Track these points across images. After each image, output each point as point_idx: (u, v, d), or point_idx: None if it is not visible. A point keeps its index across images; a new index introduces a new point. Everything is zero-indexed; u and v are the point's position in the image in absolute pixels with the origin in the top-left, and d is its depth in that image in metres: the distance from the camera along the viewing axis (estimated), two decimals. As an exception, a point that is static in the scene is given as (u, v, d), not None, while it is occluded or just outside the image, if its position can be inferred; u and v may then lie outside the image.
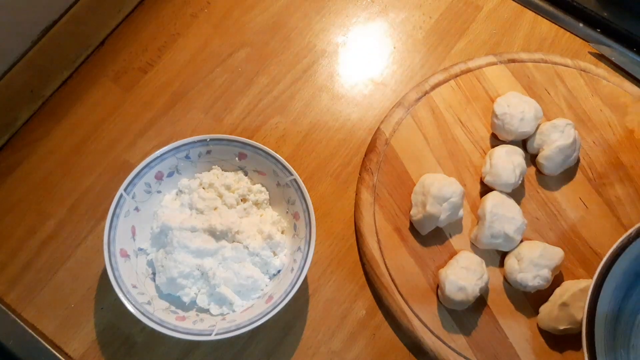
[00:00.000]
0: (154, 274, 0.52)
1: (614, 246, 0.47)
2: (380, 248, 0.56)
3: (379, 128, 0.61)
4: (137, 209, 0.53)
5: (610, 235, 0.56)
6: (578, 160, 0.59)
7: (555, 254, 0.53)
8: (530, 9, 0.68)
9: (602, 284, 0.46)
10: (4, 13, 0.53)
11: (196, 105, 0.62)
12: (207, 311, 0.51)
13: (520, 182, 0.56)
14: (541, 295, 0.54)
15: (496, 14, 0.68)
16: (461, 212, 0.55)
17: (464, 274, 0.51)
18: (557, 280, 0.54)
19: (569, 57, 0.64)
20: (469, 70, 0.63)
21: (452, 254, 0.55)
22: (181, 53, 0.64)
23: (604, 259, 0.46)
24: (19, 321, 0.53)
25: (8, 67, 0.56)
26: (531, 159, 0.60)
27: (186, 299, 0.51)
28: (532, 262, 0.52)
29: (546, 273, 0.52)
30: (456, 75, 0.63)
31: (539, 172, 0.59)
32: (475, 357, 0.52)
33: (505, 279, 0.55)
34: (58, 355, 0.52)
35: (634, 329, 0.49)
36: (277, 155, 0.53)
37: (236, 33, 0.66)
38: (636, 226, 0.47)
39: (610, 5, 0.68)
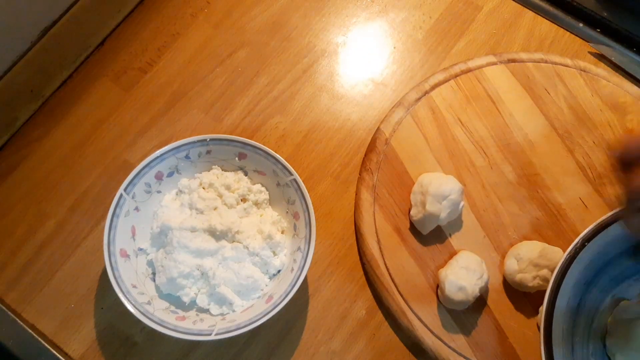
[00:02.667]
0: (154, 274, 0.52)
1: (562, 259, 0.46)
2: (380, 248, 0.56)
3: (378, 128, 0.61)
4: (137, 209, 0.53)
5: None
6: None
7: (554, 254, 0.53)
8: (530, 9, 0.68)
9: (555, 299, 0.45)
10: (4, 13, 0.53)
11: (196, 105, 0.62)
12: (207, 311, 0.51)
13: None
14: (541, 295, 0.53)
15: (496, 14, 0.68)
16: (461, 206, 0.55)
17: (464, 274, 0.51)
18: (557, 280, 0.54)
19: (569, 57, 0.64)
20: (469, 70, 0.63)
21: (452, 253, 0.55)
22: (181, 53, 0.64)
23: (554, 274, 0.46)
24: (19, 321, 0.53)
25: (8, 67, 0.56)
26: None
27: (186, 299, 0.51)
28: (532, 263, 0.52)
29: (545, 273, 0.52)
30: (456, 75, 0.63)
31: None
32: (475, 357, 0.52)
33: (505, 279, 0.55)
34: (58, 355, 0.52)
35: (590, 337, 0.49)
36: (277, 155, 0.53)
37: (236, 33, 0.66)
38: (581, 235, 0.47)
39: (610, 5, 0.68)
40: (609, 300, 0.51)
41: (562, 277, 0.46)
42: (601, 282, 0.50)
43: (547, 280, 0.52)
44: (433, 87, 0.62)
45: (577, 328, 0.48)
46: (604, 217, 0.47)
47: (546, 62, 0.64)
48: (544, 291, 0.53)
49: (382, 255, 0.55)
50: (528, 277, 0.52)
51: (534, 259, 0.52)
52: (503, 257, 0.56)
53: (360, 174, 0.59)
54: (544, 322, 0.45)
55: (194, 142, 0.54)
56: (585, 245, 0.46)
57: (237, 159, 0.55)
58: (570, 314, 0.48)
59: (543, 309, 0.45)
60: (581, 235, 0.47)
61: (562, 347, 0.46)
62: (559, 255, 0.53)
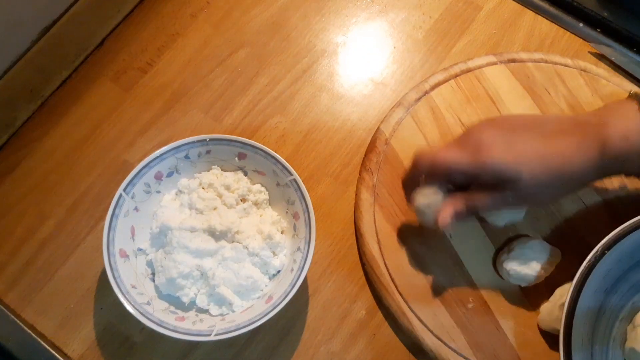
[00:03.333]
0: (153, 274, 0.52)
1: (582, 266, 0.46)
2: (380, 248, 0.56)
3: (378, 128, 0.61)
4: (136, 209, 0.53)
5: (610, 236, 0.56)
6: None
7: (550, 251, 0.53)
8: (530, 9, 0.68)
9: (575, 306, 0.46)
10: (4, 13, 0.53)
11: (196, 105, 0.62)
12: (206, 311, 0.51)
13: None
14: (541, 295, 0.54)
15: (496, 14, 0.68)
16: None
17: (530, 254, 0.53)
18: (557, 280, 0.54)
19: (569, 57, 0.64)
20: (469, 70, 0.63)
21: (452, 254, 0.55)
22: (181, 53, 0.64)
23: (574, 282, 0.46)
24: (18, 321, 0.53)
25: (8, 67, 0.56)
26: None
27: (186, 300, 0.51)
28: (523, 253, 0.52)
29: (535, 265, 0.52)
30: (456, 75, 0.63)
31: None
32: (475, 357, 0.52)
33: (498, 273, 0.55)
34: (57, 355, 0.52)
35: (610, 344, 0.49)
36: (277, 155, 0.53)
37: (236, 33, 0.66)
38: (601, 243, 0.47)
39: (610, 5, 0.67)
40: (629, 308, 0.51)
41: (581, 284, 0.46)
42: (621, 289, 0.50)
43: (536, 272, 0.52)
44: (433, 87, 0.62)
45: (596, 335, 0.48)
46: (623, 226, 0.47)
47: (546, 62, 0.64)
48: (544, 291, 0.53)
49: (382, 255, 0.55)
50: (515, 264, 0.52)
51: (526, 249, 0.53)
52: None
53: (360, 174, 0.59)
54: (564, 329, 0.45)
55: (193, 142, 0.54)
56: (605, 254, 0.46)
57: (236, 159, 0.55)
58: (590, 321, 0.48)
59: (563, 316, 0.45)
60: (601, 243, 0.47)
61: (582, 353, 0.46)
62: (554, 253, 0.53)
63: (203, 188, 0.55)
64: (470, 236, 0.56)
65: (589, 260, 0.46)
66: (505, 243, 0.56)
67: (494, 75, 0.63)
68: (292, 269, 0.51)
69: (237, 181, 0.55)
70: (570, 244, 0.56)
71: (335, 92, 0.64)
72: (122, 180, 0.52)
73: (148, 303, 0.49)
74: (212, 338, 0.47)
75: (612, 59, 0.65)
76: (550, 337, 0.53)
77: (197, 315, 0.51)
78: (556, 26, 0.67)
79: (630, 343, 0.49)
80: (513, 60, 0.64)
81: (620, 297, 0.50)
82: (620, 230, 0.47)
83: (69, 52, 0.62)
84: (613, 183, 0.59)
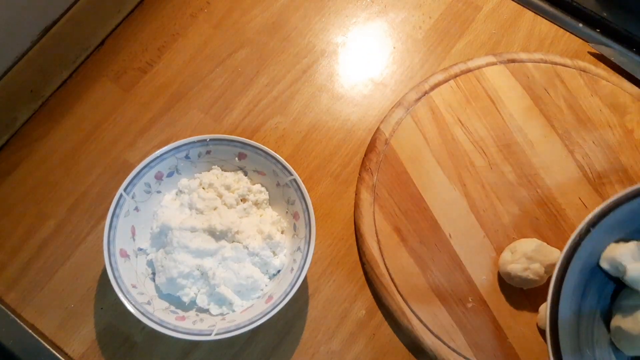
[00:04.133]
0: (153, 274, 0.52)
1: (567, 246, 0.47)
2: (380, 248, 0.56)
3: (378, 128, 0.61)
4: (136, 209, 0.53)
5: (609, 235, 0.56)
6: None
7: (550, 252, 0.53)
8: (530, 9, 0.68)
9: (560, 287, 0.46)
10: (4, 13, 0.53)
11: (196, 105, 0.62)
12: (206, 311, 0.51)
13: None
14: (540, 295, 0.54)
15: (496, 14, 0.68)
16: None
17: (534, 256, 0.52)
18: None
19: (569, 57, 0.64)
20: (468, 70, 0.63)
21: (452, 254, 0.56)
22: (181, 53, 0.65)
23: (559, 261, 0.46)
24: (18, 321, 0.53)
25: (8, 67, 0.56)
26: None
27: (186, 299, 0.51)
28: (525, 255, 0.52)
29: (537, 267, 0.52)
30: (456, 75, 0.63)
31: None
32: (475, 357, 0.52)
33: (499, 275, 0.55)
34: (58, 355, 0.52)
35: (595, 324, 0.50)
36: (277, 155, 0.54)
37: (236, 33, 0.66)
38: (585, 221, 0.47)
39: (610, 5, 0.68)
40: (610, 288, 0.51)
41: (567, 264, 0.47)
42: (599, 276, 0.50)
43: (538, 275, 0.52)
44: (433, 87, 0.62)
45: (582, 315, 0.49)
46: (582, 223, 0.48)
47: (546, 62, 0.64)
48: (543, 291, 0.53)
49: (382, 255, 0.55)
50: (518, 268, 0.52)
51: (528, 252, 0.52)
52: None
53: (360, 174, 0.59)
54: (550, 311, 0.46)
55: (193, 142, 0.54)
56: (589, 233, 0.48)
57: (237, 159, 0.55)
58: (576, 301, 0.48)
59: (549, 297, 0.46)
60: (585, 221, 0.48)
61: (568, 337, 0.46)
62: (555, 254, 0.53)
63: (203, 188, 0.55)
64: (470, 236, 0.57)
65: (573, 239, 0.47)
66: (506, 245, 0.56)
67: (494, 75, 0.63)
68: (292, 269, 0.51)
69: (237, 181, 0.55)
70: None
71: (335, 92, 0.64)
72: (123, 180, 0.52)
73: (148, 303, 0.49)
74: (212, 337, 0.47)
75: (612, 59, 0.65)
76: (549, 337, 0.53)
77: (197, 314, 0.51)
78: (556, 26, 0.67)
79: (616, 322, 0.49)
80: (513, 61, 0.64)
81: (592, 297, 0.50)
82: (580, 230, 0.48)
83: (69, 52, 0.62)
84: (613, 184, 0.59)
